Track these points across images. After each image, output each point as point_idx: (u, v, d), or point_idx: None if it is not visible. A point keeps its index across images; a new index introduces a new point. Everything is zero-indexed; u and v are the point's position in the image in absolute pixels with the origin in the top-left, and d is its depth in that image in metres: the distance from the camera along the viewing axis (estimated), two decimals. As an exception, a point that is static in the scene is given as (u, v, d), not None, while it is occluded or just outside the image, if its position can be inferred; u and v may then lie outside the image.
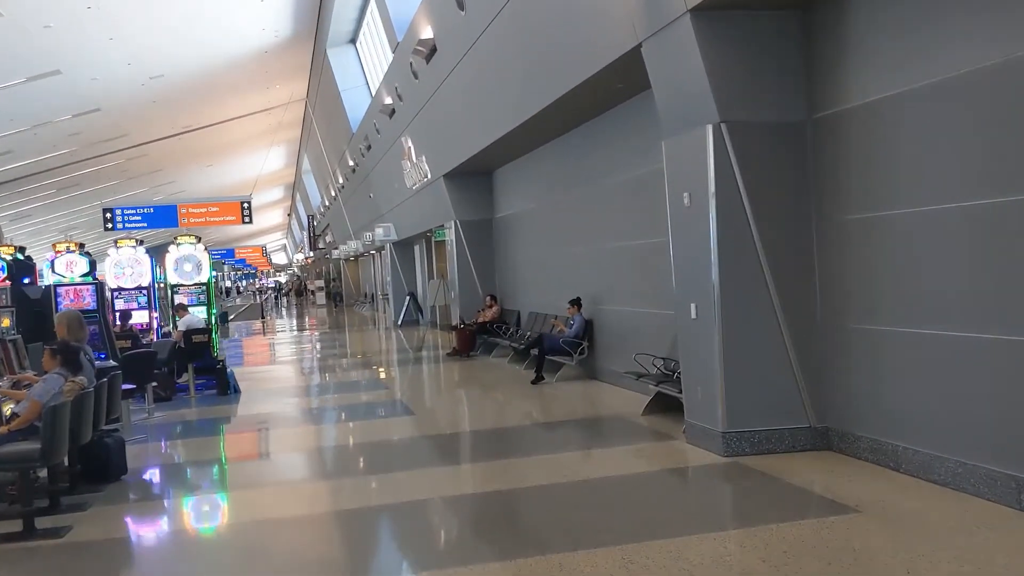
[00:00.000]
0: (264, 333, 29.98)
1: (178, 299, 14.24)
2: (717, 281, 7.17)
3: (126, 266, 14.20)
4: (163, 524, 6.62)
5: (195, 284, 14.47)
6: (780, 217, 7.19)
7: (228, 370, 13.53)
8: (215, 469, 8.51)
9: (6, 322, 8.21)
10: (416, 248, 27.04)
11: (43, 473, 7.29)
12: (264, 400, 12.73)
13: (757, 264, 7.15)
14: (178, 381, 13.86)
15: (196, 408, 12.24)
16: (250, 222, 28.23)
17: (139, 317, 14.23)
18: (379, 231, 27.11)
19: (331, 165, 37.17)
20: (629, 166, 10.69)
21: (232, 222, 28.80)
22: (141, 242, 14.52)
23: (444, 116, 16.38)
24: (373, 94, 24.20)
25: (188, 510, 7.01)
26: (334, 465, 8.36)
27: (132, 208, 26.77)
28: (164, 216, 28.21)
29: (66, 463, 7.26)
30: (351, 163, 30.65)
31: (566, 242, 13.52)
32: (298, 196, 64.38)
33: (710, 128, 7.15)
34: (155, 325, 14.47)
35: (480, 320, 16.89)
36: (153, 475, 8.11)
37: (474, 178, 17.36)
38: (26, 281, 10.86)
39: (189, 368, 13.38)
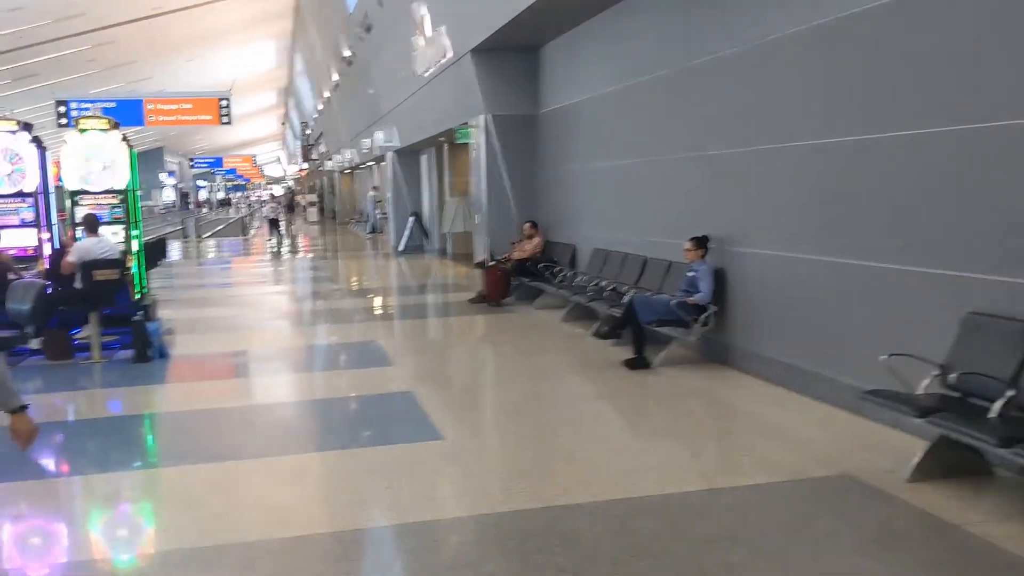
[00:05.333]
0: (241, 255, 25.28)
1: (82, 212, 9.53)
2: None
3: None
4: None
5: (106, 192, 9.69)
6: None
7: (152, 323, 8.92)
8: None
9: None
10: (423, 158, 22.20)
11: None
12: (194, 374, 8.16)
13: None
14: (77, 337, 9.31)
15: (75, 393, 7.68)
16: (228, 122, 23.50)
17: (21, 238, 9.56)
18: (379, 136, 22.23)
19: (325, 60, 31.94)
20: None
21: (208, 122, 24.05)
22: (28, 126, 9.76)
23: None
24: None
25: None
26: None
27: (89, 101, 21.79)
28: (127, 111, 23.34)
29: None
30: (347, 53, 25.50)
31: (667, 146, 8.76)
32: (291, 102, 58.87)
33: None
34: (48, 251, 9.79)
35: (517, 256, 12.21)
36: None
37: (514, 56, 12.44)
38: None
39: (92, 319, 8.79)
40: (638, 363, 7.55)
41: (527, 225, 12.32)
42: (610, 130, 10.26)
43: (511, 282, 12.00)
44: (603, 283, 9.46)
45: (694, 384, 7.11)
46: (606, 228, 10.47)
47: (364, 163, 32.25)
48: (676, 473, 4.89)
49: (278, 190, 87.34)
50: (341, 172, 41.95)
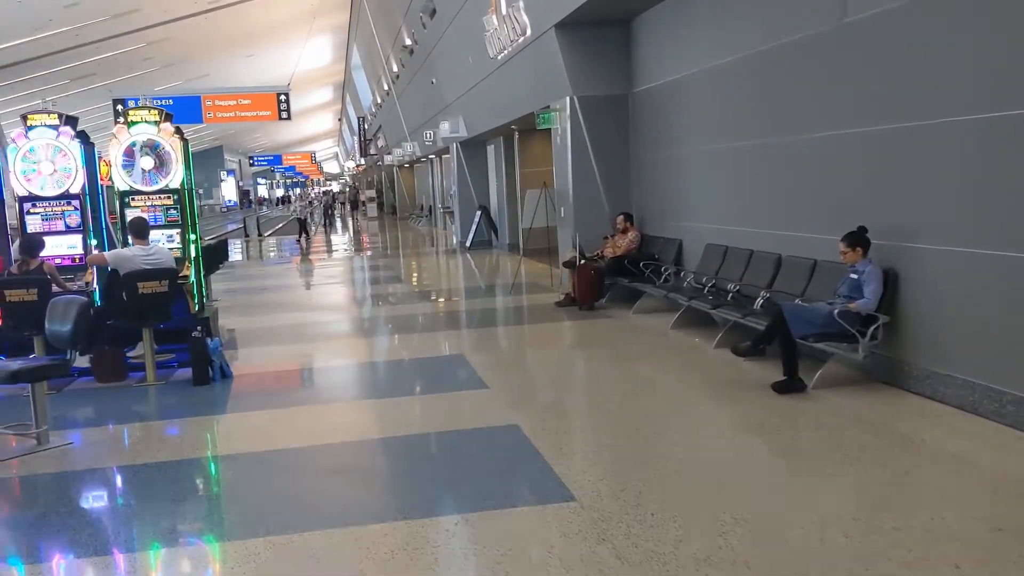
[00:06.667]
0: (303, 253, 24.40)
1: (132, 214, 8.50)
2: None
3: (42, 160, 8.47)
4: None
5: (158, 192, 8.64)
6: None
7: (211, 340, 7.85)
8: None
9: None
10: (490, 149, 20.99)
11: None
12: (259, 400, 7.05)
13: None
14: (130, 356, 8.31)
15: (124, 427, 6.66)
16: (288, 117, 22.80)
17: (64, 246, 8.56)
18: (444, 126, 21.05)
19: (383, 50, 30.93)
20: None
21: (267, 117, 23.34)
22: (72, 120, 8.76)
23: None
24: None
25: None
26: None
27: (148, 99, 21.14)
28: (186, 108, 22.67)
29: None
30: (408, 42, 24.44)
31: (805, 123, 7.38)
32: (348, 97, 58.20)
33: None
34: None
35: (612, 252, 10.92)
36: None
37: (602, 31, 11.12)
38: None
39: (145, 336, 7.77)
40: (791, 386, 6.22)
41: (620, 218, 11.02)
42: (726, 107, 8.89)
43: (605, 283, 10.73)
44: (730, 285, 8.10)
45: (868, 414, 5.75)
46: (722, 220, 9.11)
47: (425, 156, 31.18)
48: (919, 561, 3.57)
49: (336, 186, 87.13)
50: (400, 166, 41.01)
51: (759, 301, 7.56)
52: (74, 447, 5.97)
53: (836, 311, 6.08)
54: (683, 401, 6.46)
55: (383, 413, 6.60)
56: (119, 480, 5.36)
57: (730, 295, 8.08)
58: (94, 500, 5.12)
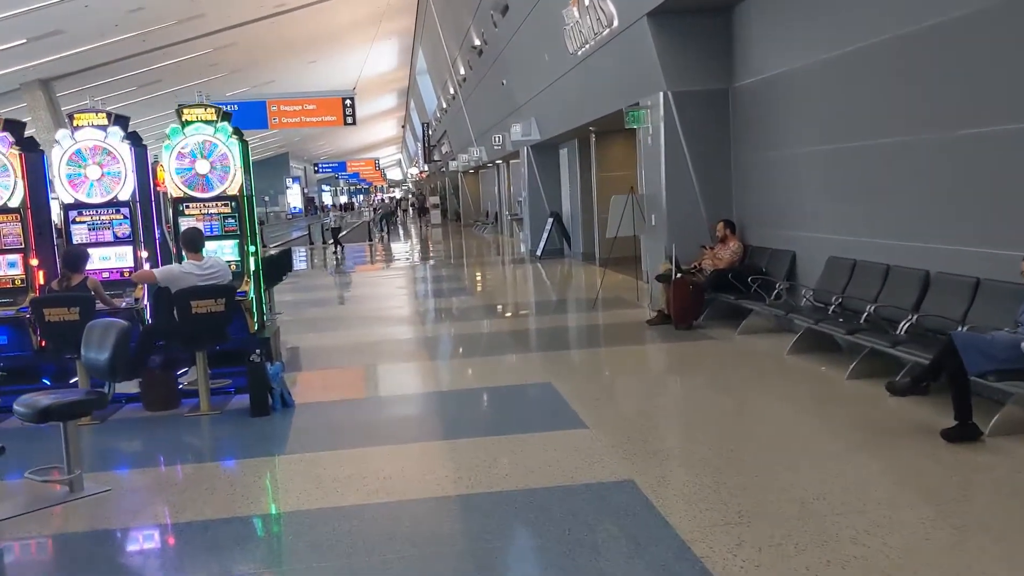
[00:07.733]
0: (367, 262, 23.66)
1: (186, 223, 7.66)
2: None
3: (88, 163, 7.72)
4: None
5: (215, 199, 7.81)
6: None
7: (271, 365, 6.97)
8: None
9: None
10: (563, 152, 19.99)
11: None
12: (324, 437, 6.13)
13: None
14: (183, 382, 7.51)
15: (172, 471, 5.81)
16: (353, 122, 22.33)
17: (113, 258, 7.79)
18: (515, 129, 20.08)
19: (450, 53, 30.15)
20: None
21: (332, 123, 22.89)
22: (122, 120, 8.00)
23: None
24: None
25: None
26: None
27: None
28: (251, 114, 22.27)
29: None
30: (477, 42, 23.57)
31: (960, 118, 6.20)
32: (412, 103, 57.75)
33: None
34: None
35: (711, 265, 9.81)
36: None
37: (700, 19, 10.00)
38: None
39: (198, 361, 6.93)
40: (964, 432, 5.07)
41: (720, 225, 9.90)
42: (854, 101, 7.70)
43: (704, 299, 9.63)
44: (869, 308, 6.89)
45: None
46: (846, 230, 7.94)
47: (492, 161, 30.31)
48: None
49: (398, 193, 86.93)
50: (464, 172, 40.26)
51: (903, 326, 6.39)
52: (111, 494, 5.12)
53: (1026, 343, 4.92)
54: (831, 451, 5.32)
55: (466, 459, 5.58)
56: (156, 543, 4.48)
57: (863, 317, 6.91)
58: (124, 572, 4.23)
